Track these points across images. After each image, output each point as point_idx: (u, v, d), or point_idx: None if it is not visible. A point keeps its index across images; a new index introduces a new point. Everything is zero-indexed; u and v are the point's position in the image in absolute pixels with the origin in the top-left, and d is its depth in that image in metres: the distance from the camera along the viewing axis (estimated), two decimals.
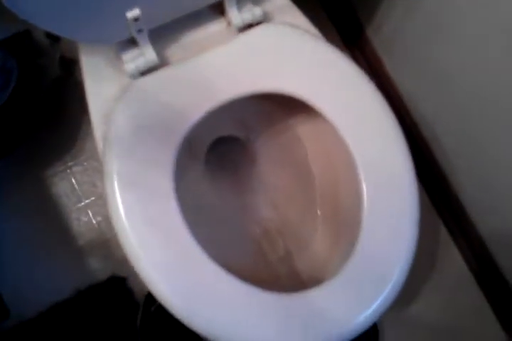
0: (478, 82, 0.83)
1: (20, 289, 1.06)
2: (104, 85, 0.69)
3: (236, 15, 0.71)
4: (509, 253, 0.99)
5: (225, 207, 0.91)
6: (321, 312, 0.63)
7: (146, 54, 0.67)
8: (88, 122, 0.70)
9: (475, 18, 0.76)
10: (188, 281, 0.63)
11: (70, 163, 1.10)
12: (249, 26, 0.73)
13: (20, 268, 1.08)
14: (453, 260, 1.13)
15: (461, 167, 1.02)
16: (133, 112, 0.66)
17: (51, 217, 1.10)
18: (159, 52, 0.70)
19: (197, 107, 0.68)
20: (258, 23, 0.73)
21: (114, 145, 0.66)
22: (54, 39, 1.03)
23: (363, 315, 0.63)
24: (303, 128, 0.87)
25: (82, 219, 1.10)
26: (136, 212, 0.64)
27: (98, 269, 1.09)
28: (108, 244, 1.09)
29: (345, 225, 0.76)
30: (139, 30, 0.64)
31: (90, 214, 1.10)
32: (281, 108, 0.85)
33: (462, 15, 0.78)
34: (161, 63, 0.70)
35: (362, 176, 0.68)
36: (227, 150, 0.95)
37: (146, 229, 0.64)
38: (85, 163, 1.10)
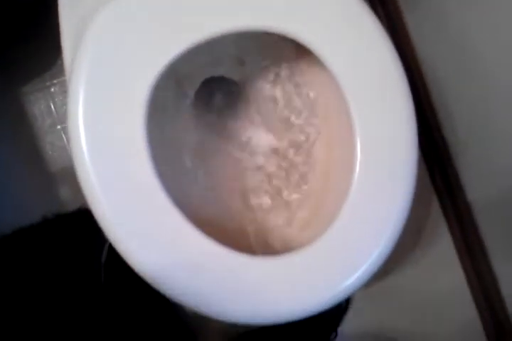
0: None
1: None
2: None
3: None
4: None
5: (208, 151, 0.85)
6: (304, 276, 0.61)
7: None
8: None
9: None
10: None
11: (48, 83, 1.03)
12: None
13: None
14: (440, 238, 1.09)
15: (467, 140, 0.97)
16: (105, 36, 0.59)
17: (23, 138, 1.04)
18: None
19: (186, 34, 0.60)
20: None
21: (83, 65, 0.59)
22: None
23: (349, 281, 0.61)
24: (306, 78, 0.81)
25: (56, 144, 1.04)
26: (99, 149, 0.58)
27: (68, 199, 1.05)
28: None
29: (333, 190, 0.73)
30: None
31: (65, 140, 1.04)
32: (286, 51, 0.78)
33: None
34: None
35: (358, 138, 0.64)
36: (220, 93, 0.88)
37: (110, 168, 0.58)
38: (66, 85, 1.03)
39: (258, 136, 0.86)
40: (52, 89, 1.03)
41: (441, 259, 1.08)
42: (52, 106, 1.03)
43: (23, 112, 1.03)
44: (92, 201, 0.58)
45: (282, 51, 0.79)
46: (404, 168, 0.65)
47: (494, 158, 0.90)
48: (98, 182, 0.58)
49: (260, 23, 0.62)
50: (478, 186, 0.99)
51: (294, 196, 0.81)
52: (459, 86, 0.93)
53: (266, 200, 0.81)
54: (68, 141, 0.87)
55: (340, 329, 1.02)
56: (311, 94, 0.81)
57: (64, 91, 1.03)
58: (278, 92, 0.85)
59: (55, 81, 1.04)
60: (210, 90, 0.87)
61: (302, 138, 0.82)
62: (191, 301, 0.59)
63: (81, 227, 1.02)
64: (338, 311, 1.02)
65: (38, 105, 1.03)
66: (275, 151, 0.84)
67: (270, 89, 0.85)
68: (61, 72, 1.03)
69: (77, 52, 0.59)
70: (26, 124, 1.04)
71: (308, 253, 0.61)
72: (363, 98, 0.65)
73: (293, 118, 0.83)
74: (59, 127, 1.03)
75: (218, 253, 0.58)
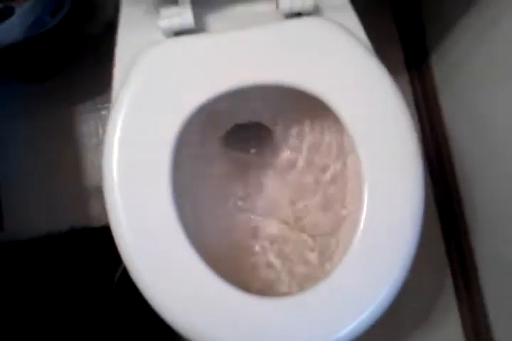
0: None
1: (20, 211, 1.11)
2: (135, 34, 0.70)
3: (285, 0, 0.70)
4: None
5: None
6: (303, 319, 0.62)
7: (184, 15, 0.67)
8: None
9: None
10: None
11: (99, 106, 1.13)
12: (298, 15, 0.72)
13: (27, 193, 1.13)
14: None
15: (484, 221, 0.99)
16: (154, 68, 0.67)
17: (68, 152, 1.13)
18: (198, 18, 0.70)
19: (216, 84, 0.67)
20: (308, 14, 0.72)
21: (126, 96, 0.67)
22: None
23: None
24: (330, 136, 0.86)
25: (96, 163, 1.12)
26: (128, 175, 0.66)
27: (96, 215, 1.12)
28: None
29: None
30: None
31: None
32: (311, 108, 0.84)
33: None
34: (197, 29, 0.70)
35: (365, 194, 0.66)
36: (250, 136, 0.95)
37: (135, 200, 0.65)
38: None
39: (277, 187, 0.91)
40: (103, 112, 1.13)
41: None
42: (99, 127, 1.12)
43: (72, 129, 1.13)
44: (114, 223, 0.66)
45: (309, 106, 0.84)
46: (407, 225, 0.66)
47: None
48: (123, 206, 0.65)
49: (285, 79, 0.68)
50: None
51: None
52: (483, 167, 0.96)
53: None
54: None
55: None
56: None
57: None
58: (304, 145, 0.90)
59: (105, 105, 1.14)
60: (243, 134, 0.93)
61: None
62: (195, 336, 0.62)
63: (103, 243, 1.09)
64: None
65: (87, 125, 1.13)
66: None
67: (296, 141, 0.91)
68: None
69: (123, 84, 0.66)
70: (73, 141, 1.13)
71: (307, 297, 0.63)
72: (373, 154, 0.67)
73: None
74: (101, 147, 1.11)
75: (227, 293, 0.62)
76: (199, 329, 0.61)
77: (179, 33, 0.70)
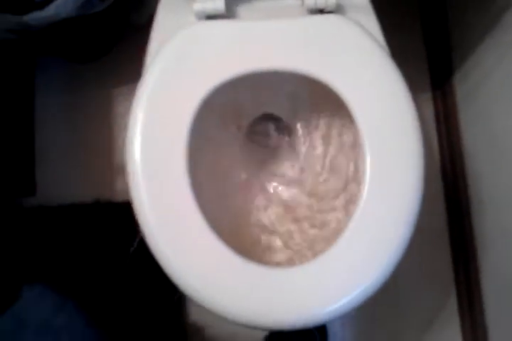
0: None
1: (52, 179, 1.20)
2: (171, 15, 0.79)
3: None
4: None
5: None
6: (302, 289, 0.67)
7: (217, 0, 0.75)
8: None
9: None
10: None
11: (135, 90, 1.20)
12: (321, 12, 0.79)
13: (60, 164, 1.22)
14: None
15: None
16: (183, 47, 0.75)
17: (102, 130, 1.22)
18: (229, 5, 0.77)
19: (239, 65, 0.74)
20: (330, 12, 0.79)
21: (153, 72, 0.75)
22: None
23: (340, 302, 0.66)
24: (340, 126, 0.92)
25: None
26: (150, 160, 0.72)
27: (121, 190, 1.20)
28: None
29: None
30: None
31: None
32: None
33: None
34: (228, 15, 0.78)
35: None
36: (269, 129, 1.01)
37: (155, 179, 0.72)
38: None
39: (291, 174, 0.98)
40: None
41: None
42: None
43: (108, 109, 1.23)
44: (137, 201, 0.73)
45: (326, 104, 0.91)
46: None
47: None
48: (144, 185, 0.72)
49: (302, 68, 0.75)
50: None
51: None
52: (496, 188, 1.00)
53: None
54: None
55: None
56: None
57: None
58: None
59: None
60: (264, 126, 1.00)
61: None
62: (204, 300, 0.67)
63: (124, 216, 1.17)
64: None
65: (122, 106, 1.22)
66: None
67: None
68: None
69: (153, 60, 0.75)
70: (108, 120, 1.23)
71: (308, 268, 0.69)
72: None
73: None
74: None
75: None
76: (208, 294, 0.67)
77: (211, 17, 0.77)
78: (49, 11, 0.89)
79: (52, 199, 1.18)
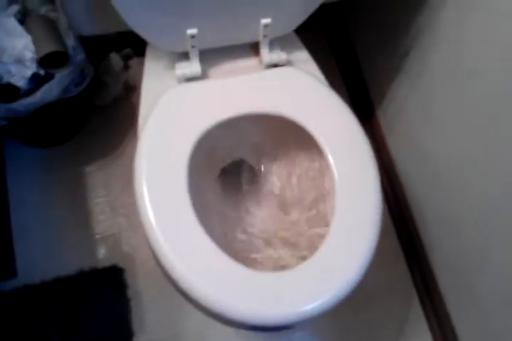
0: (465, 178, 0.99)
1: (33, 256, 1.25)
2: (156, 82, 0.93)
3: (266, 55, 0.95)
4: None
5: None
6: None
7: (193, 66, 0.91)
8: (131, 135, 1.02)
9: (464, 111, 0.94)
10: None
11: (105, 165, 1.34)
12: (275, 66, 0.97)
13: (39, 240, 1.27)
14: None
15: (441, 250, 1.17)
16: (170, 106, 0.89)
17: (79, 204, 1.31)
18: (203, 68, 0.93)
19: (217, 113, 0.89)
20: (282, 65, 0.97)
21: (149, 128, 0.87)
22: (126, 66, 1.30)
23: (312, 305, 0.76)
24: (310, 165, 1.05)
25: (101, 216, 1.30)
26: (156, 197, 0.82)
27: (103, 258, 1.27)
28: (119, 238, 1.28)
29: None
30: (193, 46, 0.88)
31: (107, 212, 1.31)
32: (295, 142, 1.04)
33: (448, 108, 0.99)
34: (202, 76, 0.93)
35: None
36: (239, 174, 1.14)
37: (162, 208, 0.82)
38: (120, 168, 1.33)
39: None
40: (108, 170, 1.34)
41: None
42: (109, 184, 1.32)
43: (81, 185, 1.32)
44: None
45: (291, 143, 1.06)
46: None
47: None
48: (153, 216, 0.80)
49: (269, 109, 0.90)
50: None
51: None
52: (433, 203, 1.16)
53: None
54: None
55: None
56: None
57: (119, 172, 1.33)
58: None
59: (111, 163, 1.35)
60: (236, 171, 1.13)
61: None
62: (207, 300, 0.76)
63: (110, 282, 1.23)
64: None
65: (94, 181, 1.32)
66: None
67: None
68: (118, 158, 1.34)
69: (146, 119, 0.88)
70: (82, 195, 1.31)
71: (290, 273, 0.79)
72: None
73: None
74: (103, 200, 1.31)
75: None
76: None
77: (189, 79, 0.93)
78: (36, 97, 1.01)
79: (34, 277, 1.21)
